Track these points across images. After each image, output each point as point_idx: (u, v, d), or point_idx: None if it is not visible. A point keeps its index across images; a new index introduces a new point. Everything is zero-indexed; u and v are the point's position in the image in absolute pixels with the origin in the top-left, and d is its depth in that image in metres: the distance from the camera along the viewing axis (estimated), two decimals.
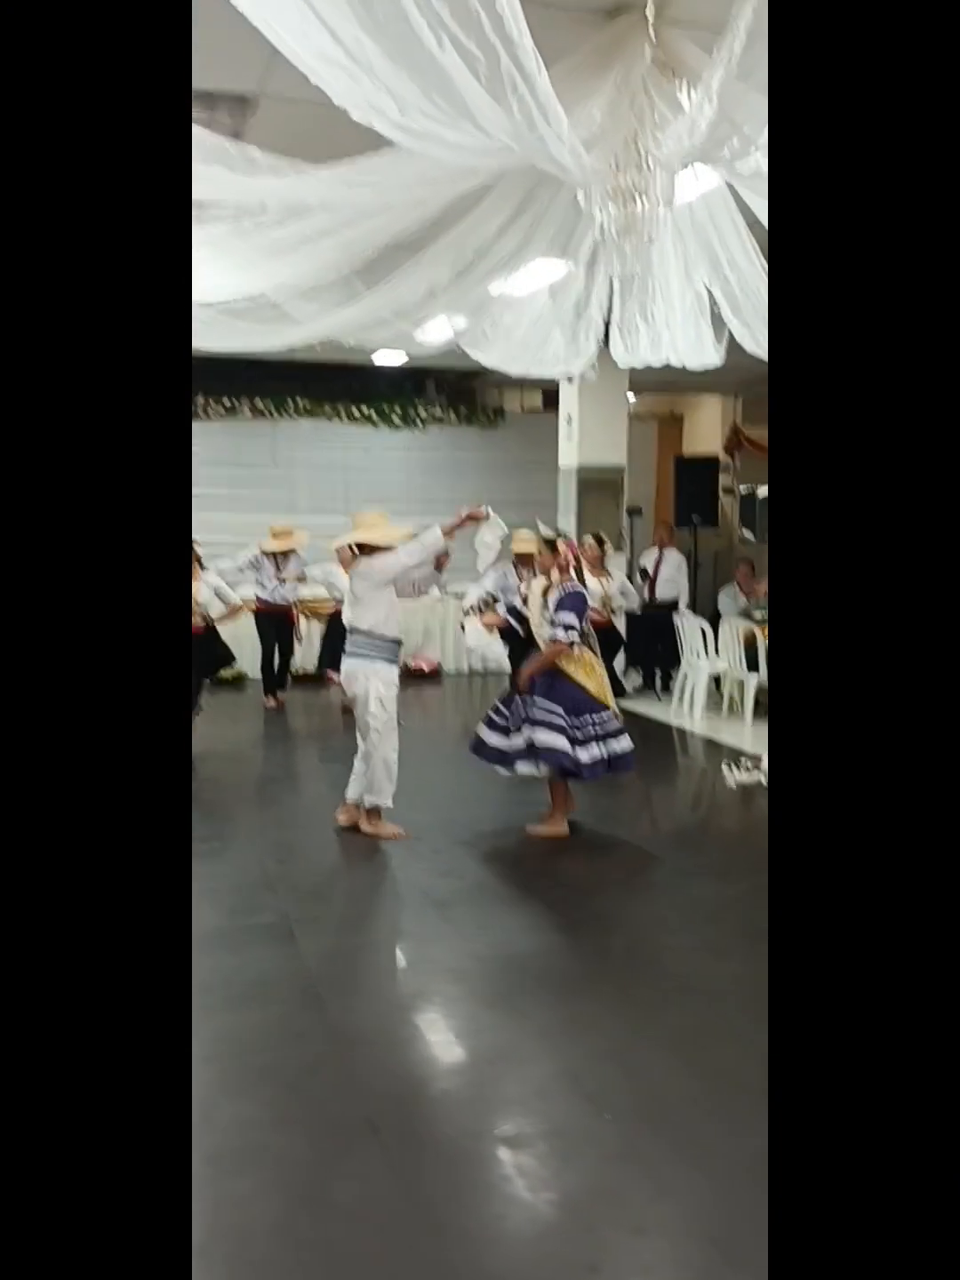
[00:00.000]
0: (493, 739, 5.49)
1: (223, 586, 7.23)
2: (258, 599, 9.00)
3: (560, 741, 5.17)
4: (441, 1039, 3.45)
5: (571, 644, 5.25)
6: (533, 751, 5.29)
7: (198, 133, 2.66)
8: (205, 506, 11.40)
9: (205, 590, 6.83)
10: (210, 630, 7.24)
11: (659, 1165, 2.71)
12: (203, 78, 4.67)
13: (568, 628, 5.22)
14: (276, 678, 9.26)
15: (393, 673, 5.36)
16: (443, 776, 7.02)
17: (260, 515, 11.39)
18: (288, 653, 9.37)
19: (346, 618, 5.44)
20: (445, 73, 2.04)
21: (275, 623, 9.16)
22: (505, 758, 5.44)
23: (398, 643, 5.41)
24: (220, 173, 2.70)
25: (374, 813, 5.45)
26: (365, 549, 5.42)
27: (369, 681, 5.26)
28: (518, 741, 5.36)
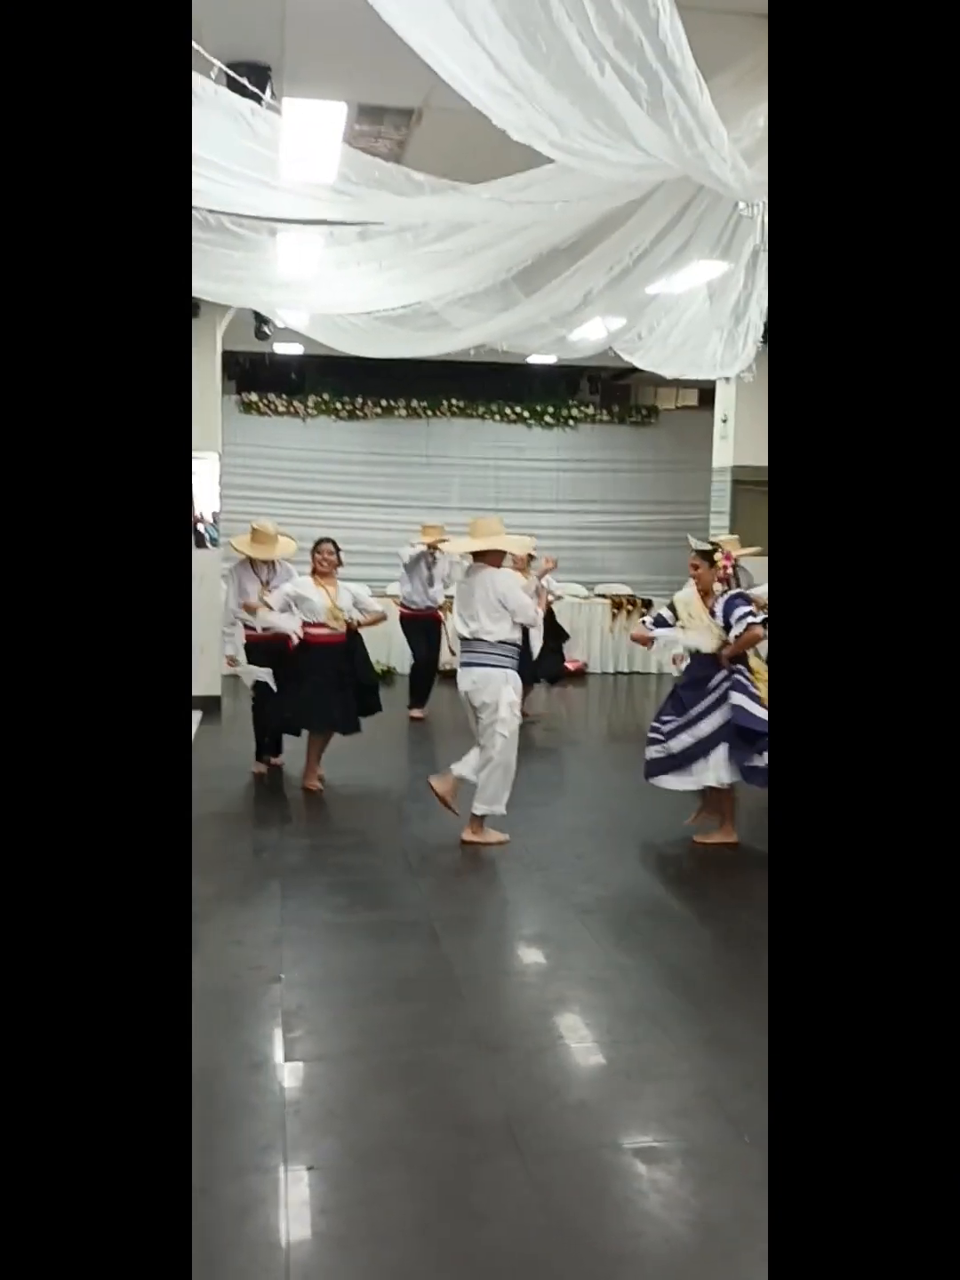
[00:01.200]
0: (654, 752, 5.50)
1: (362, 594, 6.51)
2: (403, 604, 8.67)
3: (756, 708, 5.16)
4: (581, 1048, 3.47)
5: (764, 625, 5.24)
6: (704, 748, 5.28)
7: (361, 158, 2.74)
8: (360, 504, 11.72)
9: (345, 596, 6.32)
10: (353, 639, 6.40)
11: None
12: (371, 93, 4.83)
13: (751, 615, 5.24)
14: (424, 688, 8.78)
15: (518, 680, 5.40)
16: (589, 779, 7.02)
17: (412, 513, 11.62)
18: (433, 661, 8.86)
19: (465, 628, 5.39)
20: (607, 98, 2.06)
21: (423, 628, 8.74)
22: (678, 763, 5.41)
23: (522, 650, 5.50)
24: (386, 197, 2.78)
25: (480, 821, 5.45)
26: (479, 557, 5.43)
27: (502, 689, 5.28)
28: (685, 740, 5.35)
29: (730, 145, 2.31)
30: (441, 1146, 2.86)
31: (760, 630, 5.25)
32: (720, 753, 5.26)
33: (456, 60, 2.10)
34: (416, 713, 8.70)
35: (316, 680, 6.17)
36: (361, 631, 6.51)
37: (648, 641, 5.67)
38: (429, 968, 3.99)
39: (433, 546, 8.37)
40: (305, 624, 6.21)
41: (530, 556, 7.19)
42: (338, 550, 6.36)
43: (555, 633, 8.99)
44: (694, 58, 2.44)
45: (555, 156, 2.50)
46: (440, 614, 8.70)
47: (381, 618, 6.58)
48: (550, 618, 8.46)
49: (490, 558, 5.39)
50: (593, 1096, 3.17)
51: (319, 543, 6.39)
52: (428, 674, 8.78)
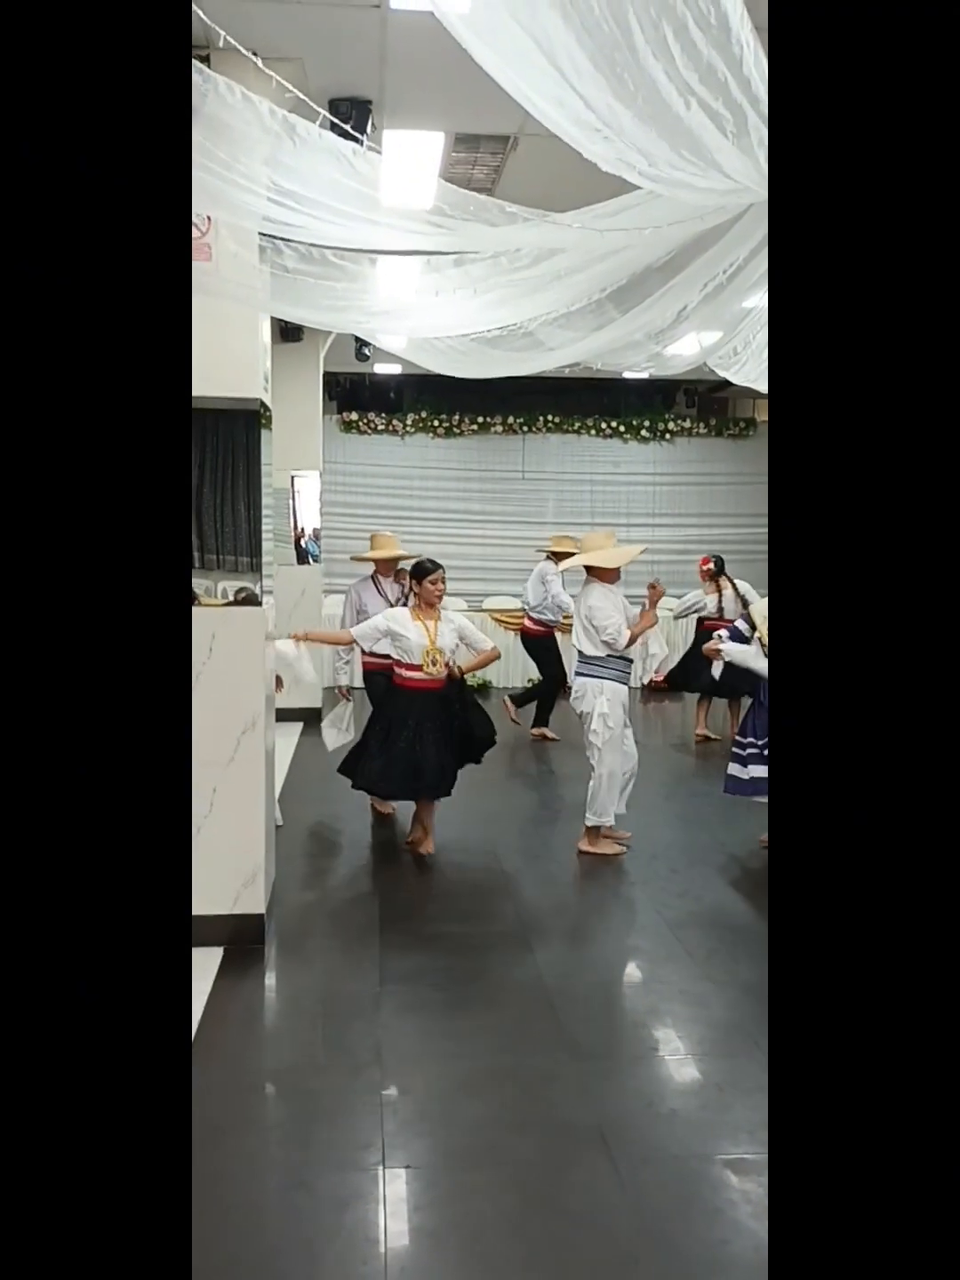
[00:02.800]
0: (734, 769, 5.51)
1: (470, 628, 5.36)
2: (528, 616, 8.43)
3: None
4: (672, 1059, 3.50)
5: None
6: None
7: (455, 191, 2.85)
8: (456, 520, 11.87)
9: (447, 633, 5.22)
10: (458, 685, 5.35)
11: None
12: (467, 122, 4.96)
13: None
14: (548, 707, 8.39)
15: (620, 691, 5.43)
16: (681, 793, 7.01)
17: (509, 529, 11.74)
18: (554, 681, 8.34)
19: (575, 639, 5.50)
20: (693, 131, 2.12)
21: (542, 645, 8.43)
22: (761, 787, 5.37)
23: (627, 661, 5.49)
24: (478, 227, 2.88)
25: (594, 831, 5.52)
26: (592, 571, 5.50)
27: (595, 699, 5.37)
28: (763, 769, 5.31)
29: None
30: (533, 1150, 2.93)
31: None
32: None
33: (545, 98, 2.19)
34: (545, 731, 8.42)
35: (406, 735, 5.14)
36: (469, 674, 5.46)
37: (716, 654, 5.68)
38: (522, 977, 4.06)
39: (553, 557, 8.11)
40: (397, 665, 5.24)
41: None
42: (444, 578, 5.26)
43: None
44: None
45: (644, 185, 2.57)
46: (555, 630, 8.46)
47: (493, 657, 5.37)
48: None
49: (601, 573, 5.47)
50: (684, 1107, 3.20)
51: (422, 567, 5.26)
52: (552, 690, 8.40)
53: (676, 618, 9.05)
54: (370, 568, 6.41)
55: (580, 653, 5.44)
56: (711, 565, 8.58)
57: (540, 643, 8.46)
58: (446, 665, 5.20)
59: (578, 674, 5.47)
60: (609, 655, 5.38)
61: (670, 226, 3.12)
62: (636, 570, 9.30)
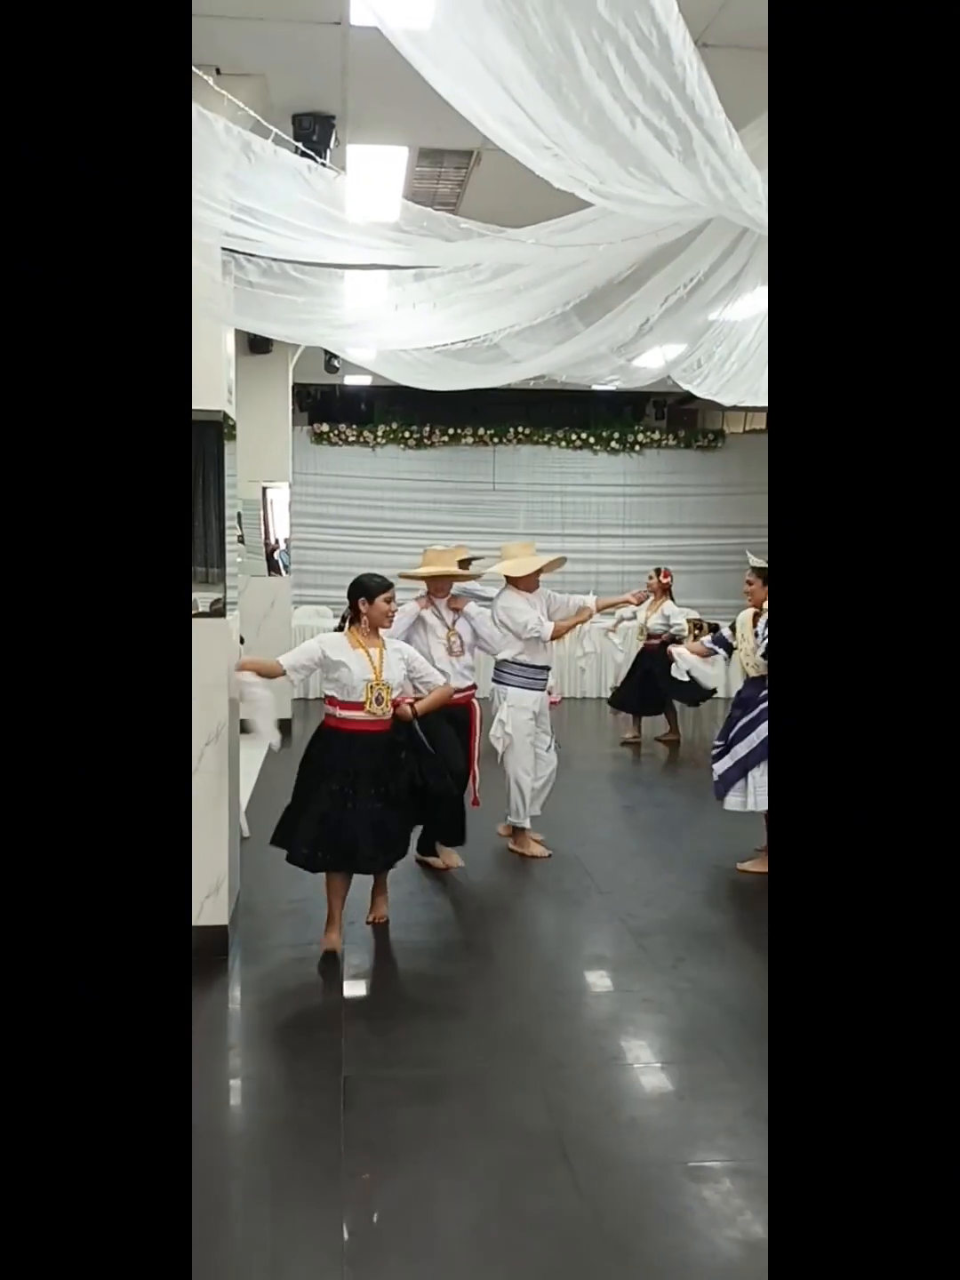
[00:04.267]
0: (716, 769, 5.57)
1: (417, 659, 4.42)
2: None
3: None
4: (634, 1067, 3.52)
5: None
6: (743, 769, 5.32)
7: (412, 207, 2.89)
8: (428, 531, 11.89)
9: (394, 664, 4.26)
10: (408, 730, 4.31)
11: None
12: (430, 137, 5.00)
13: None
14: None
15: (525, 697, 5.51)
16: (652, 804, 7.04)
17: (480, 540, 11.74)
18: None
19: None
20: (639, 149, 2.16)
21: None
22: (725, 785, 5.43)
23: (539, 668, 5.58)
24: (436, 243, 2.92)
25: (518, 830, 5.67)
26: (511, 582, 5.61)
27: (499, 705, 5.52)
28: (726, 762, 5.40)
29: (764, 186, 2.39)
30: (494, 1156, 2.94)
31: None
32: (758, 774, 5.25)
33: (495, 117, 2.23)
34: None
35: (338, 792, 4.09)
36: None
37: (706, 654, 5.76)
38: (485, 986, 4.07)
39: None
40: (331, 703, 4.20)
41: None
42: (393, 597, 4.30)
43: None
44: (737, 95, 2.54)
45: (596, 202, 2.61)
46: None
47: (448, 696, 4.45)
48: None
49: (519, 582, 5.60)
50: (644, 1114, 3.22)
51: (368, 584, 4.25)
52: None
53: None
54: (419, 590, 5.43)
55: (497, 660, 5.58)
56: (669, 579, 8.63)
57: None
58: (396, 703, 4.21)
59: (492, 680, 5.60)
60: (519, 662, 5.49)
61: (625, 242, 3.16)
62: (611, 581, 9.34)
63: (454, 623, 5.32)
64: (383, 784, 4.14)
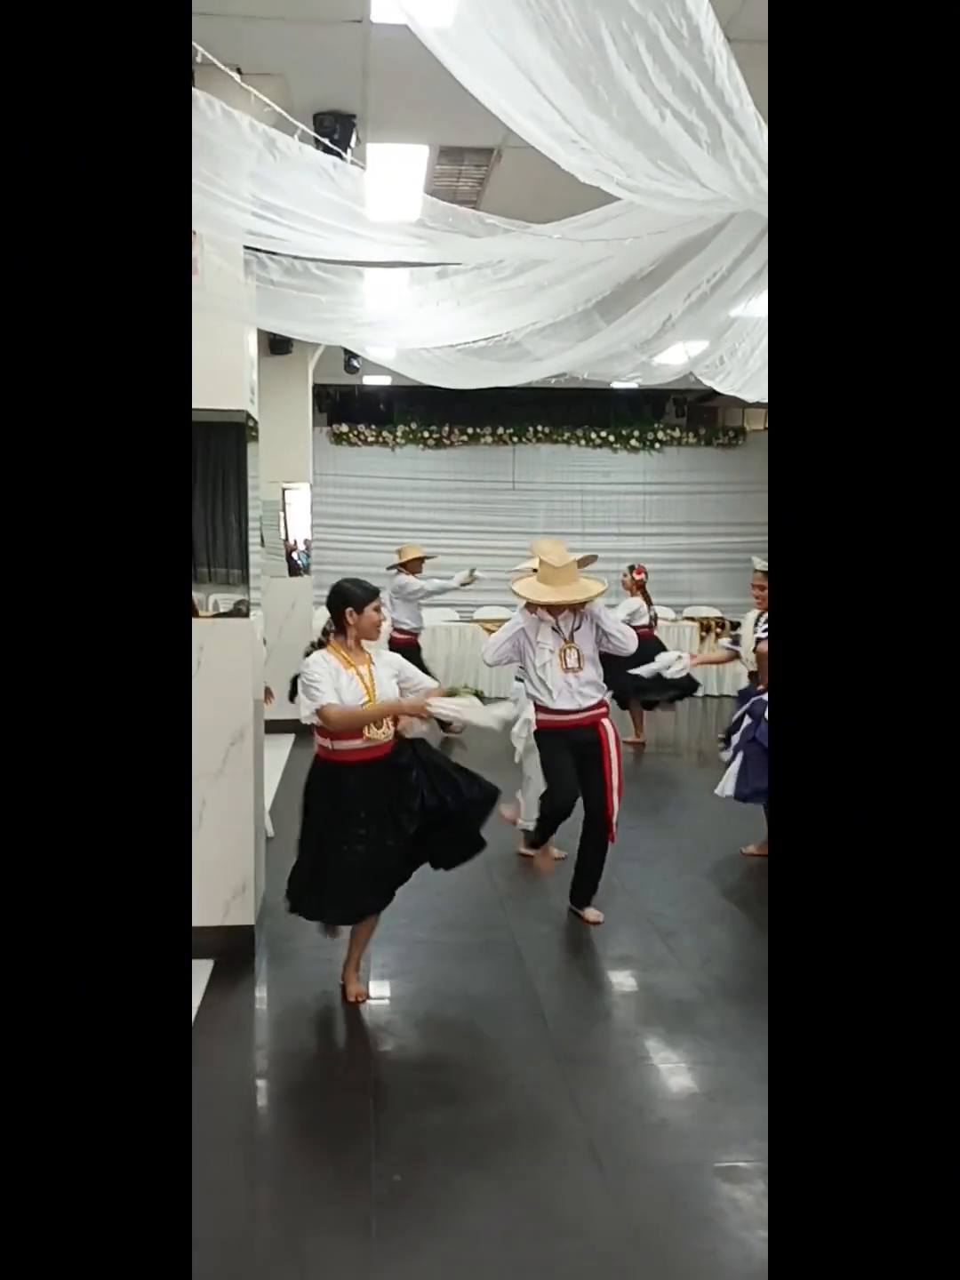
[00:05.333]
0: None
1: (407, 667, 3.94)
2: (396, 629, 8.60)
3: None
4: (662, 1068, 3.50)
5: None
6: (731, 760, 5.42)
7: (436, 204, 2.87)
8: (447, 530, 11.91)
9: (385, 680, 3.77)
10: (409, 746, 3.83)
11: None
12: (451, 135, 4.99)
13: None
14: None
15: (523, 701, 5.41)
16: (679, 801, 7.01)
17: (500, 539, 11.76)
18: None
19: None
20: (668, 142, 2.14)
21: (410, 652, 8.45)
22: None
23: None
24: (460, 239, 2.90)
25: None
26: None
27: (526, 706, 5.36)
28: (726, 753, 5.54)
29: None
30: (525, 1159, 2.92)
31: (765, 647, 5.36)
32: (735, 765, 5.33)
33: (522, 111, 2.21)
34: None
35: (353, 834, 3.60)
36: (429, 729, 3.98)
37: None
38: (514, 987, 4.05)
39: (404, 567, 8.46)
40: (325, 733, 3.67)
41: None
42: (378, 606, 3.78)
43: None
44: (761, 88, 2.51)
45: (622, 196, 2.59)
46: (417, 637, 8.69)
47: (436, 696, 3.83)
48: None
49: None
50: (674, 1115, 3.19)
51: (352, 591, 3.74)
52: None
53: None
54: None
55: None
56: (643, 576, 8.64)
57: (408, 651, 8.38)
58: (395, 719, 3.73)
59: (516, 679, 5.47)
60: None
61: (650, 236, 3.14)
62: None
63: (574, 632, 4.52)
64: (398, 815, 3.65)
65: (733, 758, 5.41)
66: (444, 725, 4.53)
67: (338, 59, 4.23)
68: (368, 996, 3.88)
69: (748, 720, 5.38)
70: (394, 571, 8.49)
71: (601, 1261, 2.52)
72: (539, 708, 4.57)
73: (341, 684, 3.61)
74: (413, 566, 8.47)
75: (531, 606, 4.50)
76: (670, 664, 5.73)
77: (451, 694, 4.45)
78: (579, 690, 4.51)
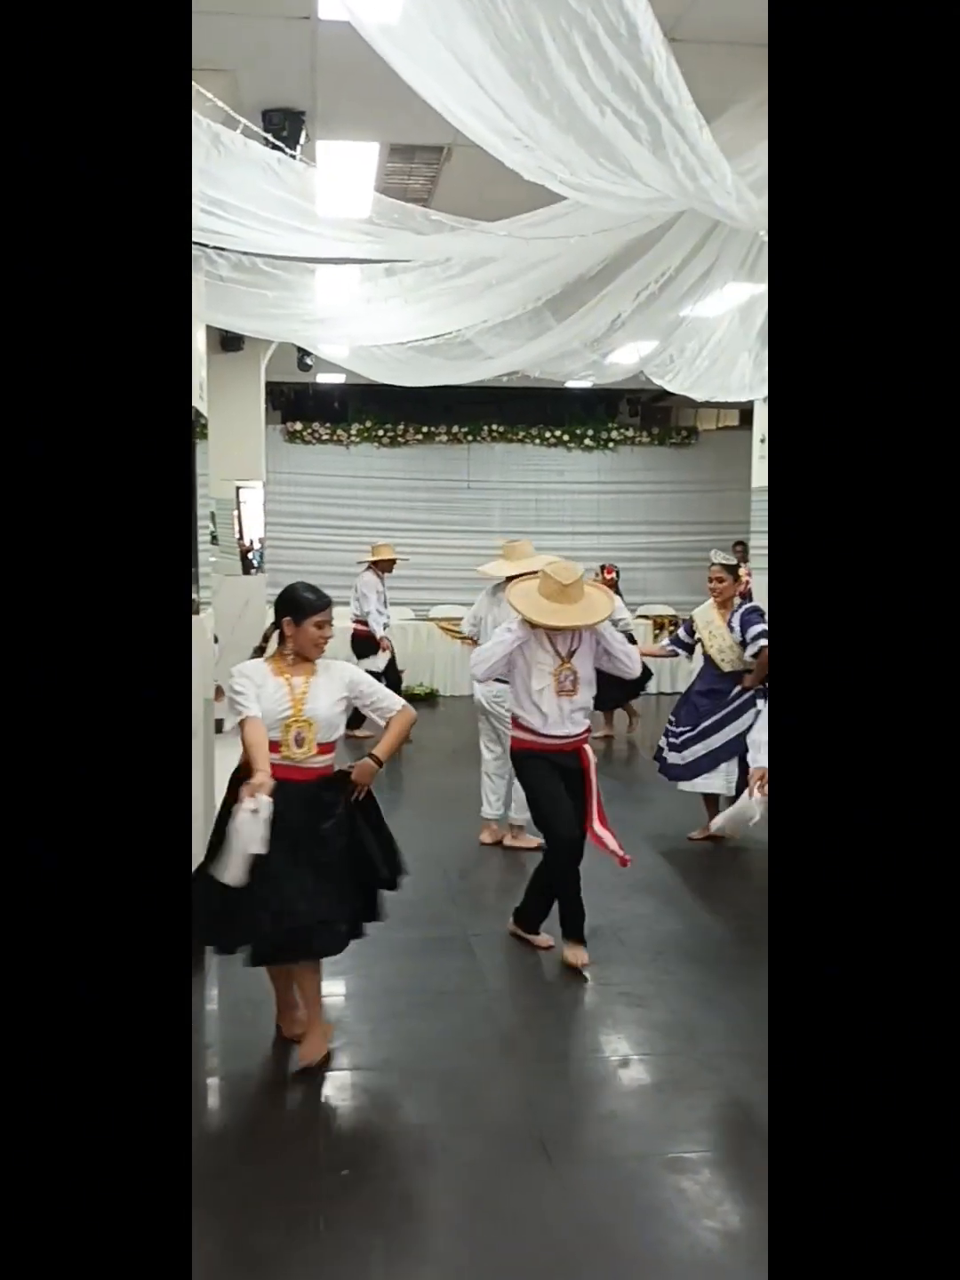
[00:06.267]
0: (671, 758, 5.77)
1: (367, 684, 3.43)
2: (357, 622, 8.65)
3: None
4: (612, 1059, 3.52)
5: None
6: (715, 760, 5.48)
7: (383, 200, 2.88)
8: (402, 529, 11.90)
9: (325, 699, 3.29)
10: (339, 779, 3.38)
11: None
12: (401, 133, 4.99)
13: (765, 634, 5.38)
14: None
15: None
16: (618, 793, 7.05)
17: (455, 538, 11.77)
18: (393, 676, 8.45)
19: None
20: (609, 140, 2.16)
21: (371, 646, 8.48)
22: (691, 771, 5.64)
23: None
24: (407, 236, 2.91)
25: (518, 827, 5.67)
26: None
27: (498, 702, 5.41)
28: (697, 750, 5.56)
29: (734, 178, 2.40)
30: (475, 1153, 2.93)
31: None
32: (732, 766, 5.39)
33: (465, 108, 2.22)
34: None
35: (263, 864, 3.01)
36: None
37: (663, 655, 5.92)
38: (464, 981, 4.06)
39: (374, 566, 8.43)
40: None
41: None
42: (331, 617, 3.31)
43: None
44: (708, 89, 2.54)
45: (567, 194, 2.61)
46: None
47: (406, 729, 3.42)
48: None
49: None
50: (623, 1107, 3.22)
51: (298, 599, 3.27)
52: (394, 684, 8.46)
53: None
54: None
55: None
56: (615, 575, 8.70)
57: (368, 642, 8.41)
58: (326, 748, 3.26)
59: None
60: None
61: (597, 235, 3.16)
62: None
63: (572, 652, 4.16)
64: (321, 843, 3.20)
65: (719, 759, 5.45)
66: (352, 726, 4.06)
67: (287, 55, 4.21)
68: (315, 1055, 3.32)
69: (744, 719, 5.36)
70: (363, 566, 8.42)
71: (551, 1255, 2.53)
72: (522, 726, 4.22)
73: (265, 692, 3.17)
74: (382, 567, 8.40)
75: (533, 626, 4.09)
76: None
77: (411, 697, 4.28)
78: (570, 715, 4.18)
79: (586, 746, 4.25)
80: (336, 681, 3.30)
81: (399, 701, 3.44)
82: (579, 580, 4.07)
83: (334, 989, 3.98)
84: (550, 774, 4.14)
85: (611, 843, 4.12)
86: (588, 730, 4.29)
